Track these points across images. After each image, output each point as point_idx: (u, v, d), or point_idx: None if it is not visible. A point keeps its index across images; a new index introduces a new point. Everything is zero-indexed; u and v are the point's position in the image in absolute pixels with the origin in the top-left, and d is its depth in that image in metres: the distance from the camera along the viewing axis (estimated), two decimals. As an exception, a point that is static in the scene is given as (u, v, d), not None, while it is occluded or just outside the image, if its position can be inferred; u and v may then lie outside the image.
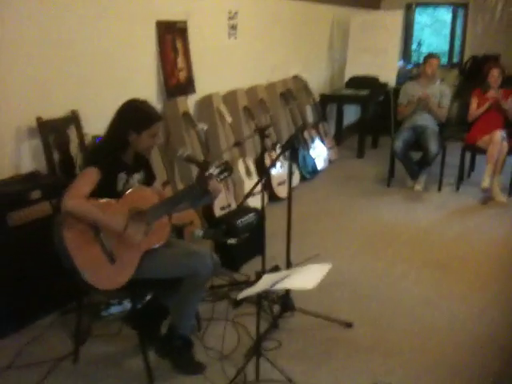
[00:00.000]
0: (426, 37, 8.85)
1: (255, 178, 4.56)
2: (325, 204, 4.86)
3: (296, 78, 6.03)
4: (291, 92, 5.73)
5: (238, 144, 4.00)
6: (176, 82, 4.22)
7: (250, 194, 2.58)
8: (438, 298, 3.18)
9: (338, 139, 6.91)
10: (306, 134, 5.70)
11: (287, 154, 2.89)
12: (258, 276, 2.95)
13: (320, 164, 5.79)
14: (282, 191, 4.84)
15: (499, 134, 4.72)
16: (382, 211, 4.65)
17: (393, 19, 7.02)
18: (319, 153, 5.83)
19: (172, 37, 4.20)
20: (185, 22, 4.30)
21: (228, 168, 2.47)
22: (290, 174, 2.85)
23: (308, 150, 5.61)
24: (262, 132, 3.38)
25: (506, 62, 7.16)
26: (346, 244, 3.98)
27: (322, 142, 5.99)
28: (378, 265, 3.62)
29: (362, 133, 6.46)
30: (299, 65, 6.19)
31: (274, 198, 4.77)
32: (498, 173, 4.79)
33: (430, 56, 5.23)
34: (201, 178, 2.28)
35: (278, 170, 4.90)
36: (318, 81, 6.71)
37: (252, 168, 4.64)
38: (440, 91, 5.15)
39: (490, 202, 4.78)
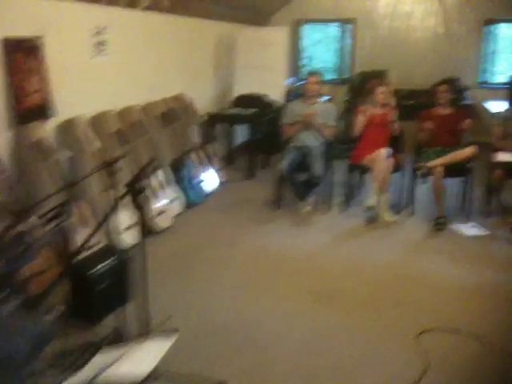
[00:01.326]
0: (318, 53, 8.88)
1: (131, 210, 4.12)
2: (210, 233, 4.53)
3: (179, 96, 5.68)
4: (174, 112, 5.36)
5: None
6: (29, 106, 3.70)
7: (85, 246, 2.15)
8: (323, 339, 2.93)
9: (229, 160, 6.63)
10: (192, 156, 5.35)
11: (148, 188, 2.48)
12: (116, 333, 2.54)
13: (208, 187, 5.46)
14: (163, 222, 4.44)
15: (383, 152, 4.65)
16: (270, 238, 4.39)
17: (279, 36, 6.91)
18: (207, 176, 5.51)
19: (23, 55, 3.69)
20: (40, 38, 3.80)
21: (64, 211, 2.04)
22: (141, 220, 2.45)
23: (194, 172, 5.26)
24: (109, 167, 2.85)
25: (394, 77, 7.29)
26: (229, 280, 3.65)
27: (210, 163, 5.67)
28: (262, 302, 3.33)
29: (252, 153, 6.23)
30: (183, 83, 5.85)
31: (153, 230, 4.35)
32: (384, 191, 4.71)
33: (311, 74, 5.10)
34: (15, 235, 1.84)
35: (159, 197, 4.50)
36: (204, 99, 6.41)
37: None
38: (325, 109, 5.02)
39: (377, 222, 4.68)
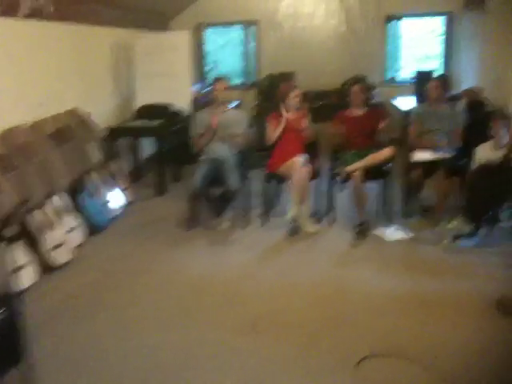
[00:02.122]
0: (224, 57, 8.57)
1: (23, 246, 3.55)
2: (118, 263, 4.04)
3: (73, 111, 5.10)
4: (68, 129, 4.80)
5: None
6: None
7: None
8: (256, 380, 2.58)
9: (136, 176, 6.13)
10: (93, 176, 4.81)
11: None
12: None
13: (113, 210, 4.94)
14: (60, 256, 3.89)
15: (299, 160, 4.39)
16: (186, 262, 3.99)
17: (181, 40, 6.49)
18: (111, 196, 4.98)
19: None
20: None
21: None
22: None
23: (96, 194, 4.72)
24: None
25: (301, 79, 7.12)
26: (141, 318, 3.21)
27: (115, 182, 5.15)
28: (180, 343, 2.92)
29: (161, 167, 5.77)
30: (77, 96, 5.28)
31: (51, 267, 3.80)
32: (304, 201, 4.45)
33: (218, 80, 4.76)
34: None
35: (55, 228, 3.94)
36: (103, 112, 5.86)
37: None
38: (235, 116, 4.70)
39: (299, 233, 4.42)
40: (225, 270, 3.82)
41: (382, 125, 4.56)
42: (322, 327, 3.03)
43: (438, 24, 7.66)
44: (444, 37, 7.58)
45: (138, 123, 5.96)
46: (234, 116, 4.71)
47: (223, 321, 3.13)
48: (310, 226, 4.49)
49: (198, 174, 4.45)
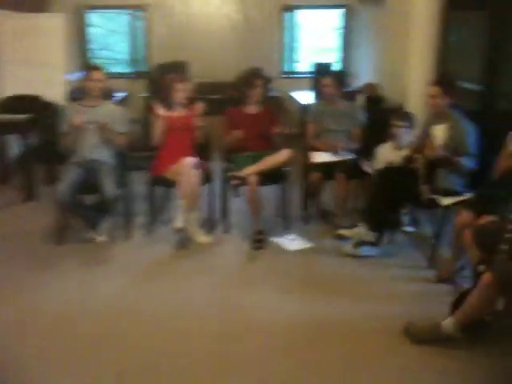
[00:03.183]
0: (112, 44, 7.76)
1: None
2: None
3: None
4: None
5: None
6: None
7: None
8: None
9: (3, 179, 5.26)
10: None
11: None
12: None
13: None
14: None
15: (188, 162, 3.85)
16: (49, 291, 3.26)
17: (55, 24, 5.69)
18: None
19: None
20: None
21: None
22: None
23: None
24: None
25: (196, 69, 6.55)
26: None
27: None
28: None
29: (28, 168, 4.96)
30: None
31: None
32: (194, 208, 3.93)
33: (92, 68, 4.07)
34: None
35: None
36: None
37: None
38: (111, 113, 4.06)
39: (189, 245, 3.90)
40: (95, 301, 3.13)
41: (276, 129, 4.15)
42: (215, 375, 2.52)
43: (336, 16, 7.42)
44: (342, 30, 7.37)
45: (2, 117, 5.09)
46: (110, 112, 4.06)
47: (82, 375, 2.51)
48: (201, 237, 3.98)
49: (66, 180, 3.77)
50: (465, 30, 4.70)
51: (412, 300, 3.17)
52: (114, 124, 3.98)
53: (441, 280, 3.35)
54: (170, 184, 3.98)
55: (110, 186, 3.77)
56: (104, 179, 3.80)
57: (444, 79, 3.82)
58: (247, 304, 3.12)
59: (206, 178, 4.03)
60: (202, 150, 4.17)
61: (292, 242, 3.96)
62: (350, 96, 5.10)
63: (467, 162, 3.53)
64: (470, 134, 3.56)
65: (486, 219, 2.93)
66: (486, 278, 2.39)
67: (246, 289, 3.32)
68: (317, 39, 7.76)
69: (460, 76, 4.22)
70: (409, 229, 4.16)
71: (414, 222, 4.20)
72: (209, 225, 4.15)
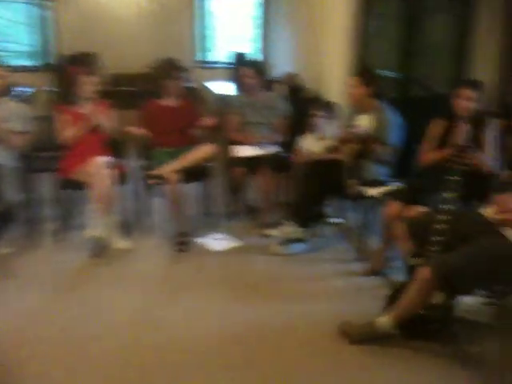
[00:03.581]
0: (16, 34, 7.11)
1: None
2: None
3: None
4: None
5: None
6: None
7: None
8: None
9: None
10: None
11: None
12: None
13: None
14: None
15: (101, 162, 3.53)
16: None
17: None
18: None
19: None
20: None
21: None
22: None
23: None
24: None
25: (107, 60, 6.11)
26: None
27: None
28: None
29: None
30: None
31: None
32: (110, 212, 3.60)
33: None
34: None
35: None
36: None
37: None
38: (9, 110, 3.64)
39: (106, 252, 3.57)
40: (6, 317, 2.79)
41: (202, 122, 3.91)
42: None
43: (252, 5, 7.24)
44: (259, 19, 7.20)
45: None
46: (9, 109, 3.64)
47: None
48: (118, 242, 3.66)
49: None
50: (384, 19, 4.68)
51: (345, 296, 3.08)
52: (14, 122, 3.56)
53: (372, 272, 3.28)
54: (80, 186, 3.62)
55: (10, 192, 3.37)
56: (4, 185, 3.39)
57: (363, 69, 3.76)
58: (170, 315, 2.86)
59: (123, 178, 3.71)
60: (116, 148, 3.85)
61: (218, 242, 3.76)
62: (270, 86, 4.95)
63: (384, 152, 3.43)
64: (392, 124, 3.49)
65: (416, 210, 2.88)
66: (424, 272, 2.31)
67: (170, 296, 3.07)
68: (233, 28, 7.55)
69: (380, 64, 4.19)
70: (336, 220, 4.08)
71: (341, 213, 4.13)
72: (127, 229, 3.84)
